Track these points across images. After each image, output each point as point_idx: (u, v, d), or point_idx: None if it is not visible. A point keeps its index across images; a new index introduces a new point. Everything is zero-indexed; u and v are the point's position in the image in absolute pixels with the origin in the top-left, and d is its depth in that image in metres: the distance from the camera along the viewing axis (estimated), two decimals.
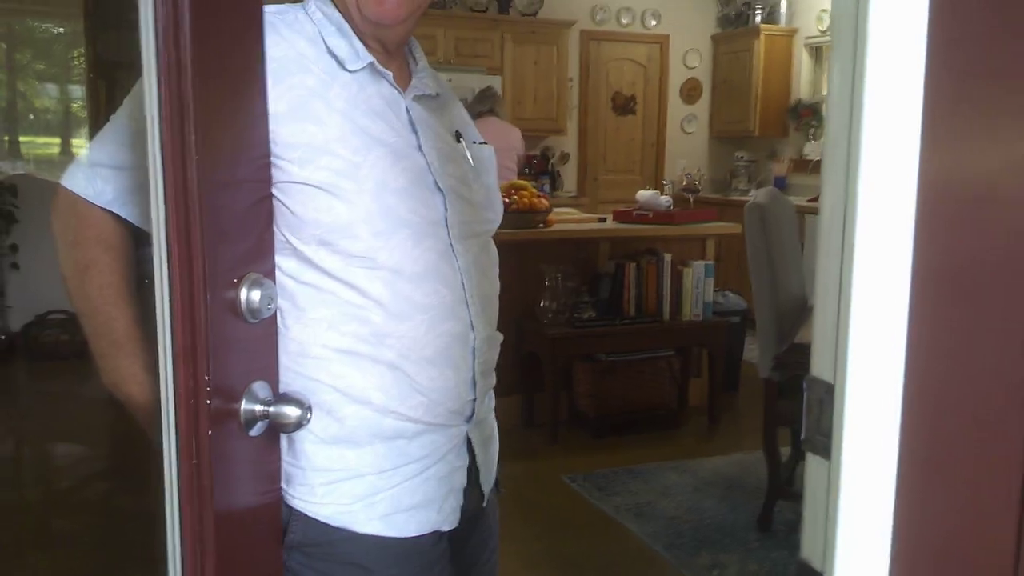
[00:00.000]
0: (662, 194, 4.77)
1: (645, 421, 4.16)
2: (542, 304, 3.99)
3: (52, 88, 6.19)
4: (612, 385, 4.09)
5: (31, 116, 6.04)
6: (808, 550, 0.72)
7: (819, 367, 0.75)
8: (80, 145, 6.02)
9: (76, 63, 5.94)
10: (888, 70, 0.69)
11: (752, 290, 3.21)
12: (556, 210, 4.60)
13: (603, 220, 4.67)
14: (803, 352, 2.87)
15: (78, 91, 6.01)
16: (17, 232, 5.48)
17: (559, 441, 3.97)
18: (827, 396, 0.74)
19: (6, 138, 5.84)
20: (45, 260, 5.50)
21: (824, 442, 0.74)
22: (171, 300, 0.87)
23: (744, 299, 4.75)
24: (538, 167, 6.95)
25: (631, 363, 4.13)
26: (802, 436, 0.78)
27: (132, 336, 1.11)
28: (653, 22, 7.32)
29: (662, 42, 7.43)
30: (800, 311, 3.41)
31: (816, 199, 6.37)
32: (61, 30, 6.00)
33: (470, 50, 6.46)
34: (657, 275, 4.13)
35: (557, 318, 3.99)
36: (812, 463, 0.77)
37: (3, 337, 5.37)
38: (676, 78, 7.55)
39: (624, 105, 7.40)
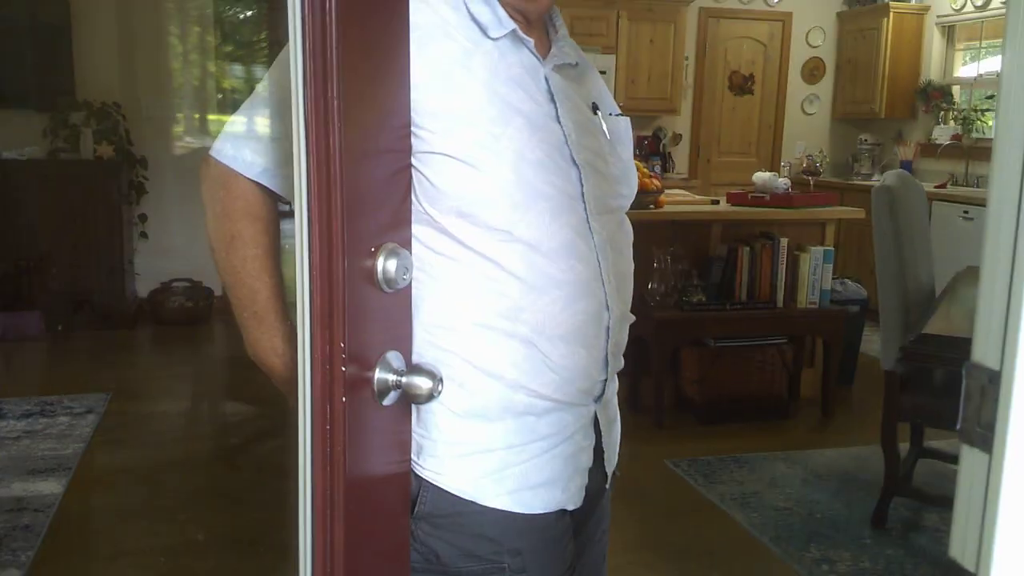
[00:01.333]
0: (780, 176, 4.61)
1: (754, 410, 4.04)
2: (650, 286, 3.92)
3: (239, 69, 6.48)
4: (720, 371, 3.99)
5: (219, 96, 6.37)
6: (958, 549, 0.66)
7: (982, 352, 0.69)
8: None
9: (261, 46, 6.21)
10: None
11: (877, 277, 3.06)
12: (667, 192, 4.51)
13: (716, 202, 4.54)
14: (931, 343, 2.72)
15: (262, 72, 6.26)
16: (146, 202, 5.75)
17: (664, 426, 3.91)
18: (990, 384, 0.68)
19: (196, 116, 6.16)
20: (171, 230, 5.78)
21: (984, 435, 0.69)
22: (310, 267, 0.86)
23: (865, 288, 4.55)
24: (649, 148, 6.83)
25: (741, 349, 4.02)
26: (958, 426, 0.72)
27: (273, 308, 1.12)
28: None
29: (784, 19, 7.17)
30: (928, 301, 3.24)
31: (945, 185, 6.04)
32: (248, 14, 6.28)
33: (585, 29, 6.37)
34: (772, 260, 4.00)
35: (665, 301, 3.91)
36: (968, 456, 0.71)
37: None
38: (798, 57, 7.27)
39: (742, 85, 7.19)
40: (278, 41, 5.57)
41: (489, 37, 1.11)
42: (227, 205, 1.11)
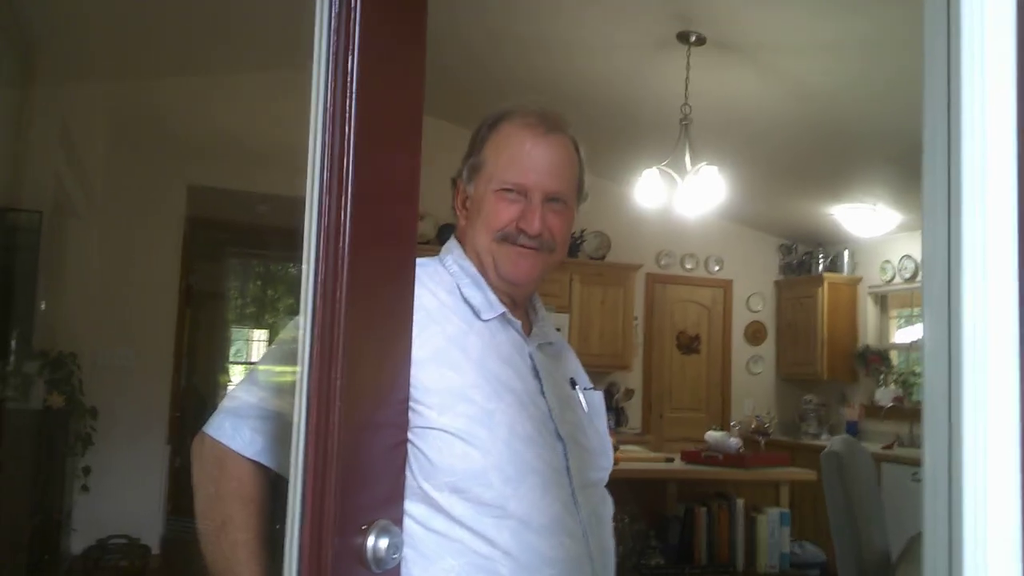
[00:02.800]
0: (731, 435, 4.69)
1: None
2: None
3: (204, 321, 6.58)
4: None
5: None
6: None
7: None
8: None
9: (238, 304, 6.38)
10: (983, 320, 0.70)
11: (834, 543, 3.06)
12: (622, 448, 4.54)
13: (671, 460, 4.57)
14: None
15: (226, 326, 6.41)
16: (91, 454, 5.58)
17: None
18: None
19: (155, 366, 6.15)
20: (114, 484, 5.58)
21: None
22: (299, 548, 0.85)
23: (823, 551, 4.50)
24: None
25: None
26: None
27: None
28: (716, 267, 7.55)
29: (725, 286, 7.61)
30: (884, 565, 3.22)
31: (891, 446, 6.17)
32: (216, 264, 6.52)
33: (540, 290, 6.55)
34: (729, 521, 3.98)
35: (624, 564, 3.82)
36: None
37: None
38: (740, 320, 7.65)
39: (689, 344, 7.48)
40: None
41: (481, 319, 1.20)
42: (221, 487, 1.11)
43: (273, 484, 1.13)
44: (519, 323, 1.25)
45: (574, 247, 6.97)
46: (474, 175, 1.27)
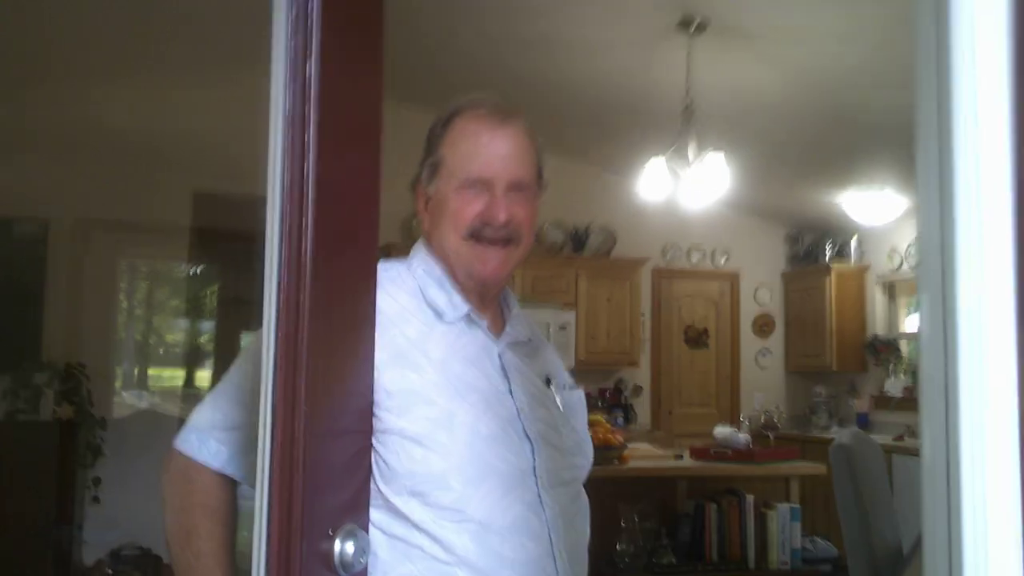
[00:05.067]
0: (740, 431, 4.66)
1: None
2: (618, 547, 3.81)
3: (183, 323, 6.61)
4: None
5: (161, 350, 6.41)
6: None
7: None
8: (203, 378, 6.30)
9: (208, 300, 6.39)
10: (978, 305, 0.68)
11: (844, 539, 3.03)
12: (631, 445, 4.51)
13: (680, 457, 4.55)
14: None
15: (207, 326, 6.43)
16: (101, 466, 5.60)
17: None
18: None
19: (136, 370, 6.19)
20: (126, 495, 5.58)
21: None
22: (267, 553, 0.86)
23: (835, 546, 4.46)
24: (611, 400, 6.92)
25: None
26: None
27: None
28: (723, 260, 7.50)
29: (732, 279, 7.57)
30: (896, 558, 3.18)
31: (902, 437, 6.11)
32: (198, 270, 6.52)
33: (546, 287, 6.64)
34: (740, 518, 3.94)
35: (635, 563, 3.79)
36: None
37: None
38: (748, 313, 7.60)
39: (697, 338, 7.44)
40: (238, 299, 5.88)
41: (444, 321, 1.18)
42: (187, 499, 1.13)
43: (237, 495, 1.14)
44: (485, 323, 1.23)
45: (579, 243, 6.93)
46: (434, 175, 1.26)
